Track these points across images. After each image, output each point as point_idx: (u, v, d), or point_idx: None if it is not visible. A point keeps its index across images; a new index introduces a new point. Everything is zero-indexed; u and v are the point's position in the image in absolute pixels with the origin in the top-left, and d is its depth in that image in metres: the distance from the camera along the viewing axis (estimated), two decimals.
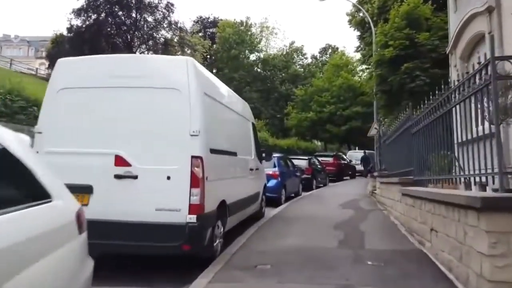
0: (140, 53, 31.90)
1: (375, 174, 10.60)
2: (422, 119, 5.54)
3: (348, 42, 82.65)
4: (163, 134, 4.30)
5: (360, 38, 24.15)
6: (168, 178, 4.17)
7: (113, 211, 4.14)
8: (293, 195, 12.44)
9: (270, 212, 8.74)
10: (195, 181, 4.16)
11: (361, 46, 24.53)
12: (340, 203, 10.26)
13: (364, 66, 35.05)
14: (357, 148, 34.30)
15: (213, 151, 4.62)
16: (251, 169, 6.98)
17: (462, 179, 4.35)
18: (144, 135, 4.32)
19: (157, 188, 4.16)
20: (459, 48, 8.42)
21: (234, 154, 5.83)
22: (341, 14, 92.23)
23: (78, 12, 31.89)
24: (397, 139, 7.86)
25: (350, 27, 24.64)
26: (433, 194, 4.40)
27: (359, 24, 22.99)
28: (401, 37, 13.78)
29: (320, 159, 19.35)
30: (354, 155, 27.69)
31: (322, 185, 17.37)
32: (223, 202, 4.99)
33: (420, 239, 5.19)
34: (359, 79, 36.63)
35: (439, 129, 4.73)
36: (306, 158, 16.83)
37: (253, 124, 7.99)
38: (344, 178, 22.75)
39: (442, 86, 4.60)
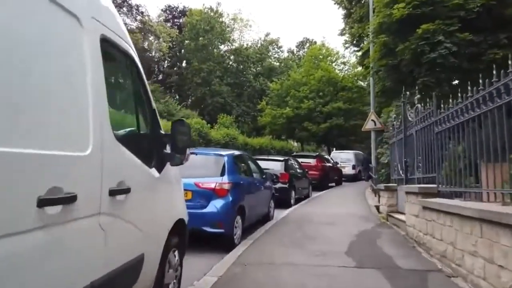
0: None
1: (404, 188, 6.28)
2: None
3: (327, 33, 78.40)
4: None
5: (346, 16, 20.44)
6: None
7: None
8: (260, 218, 7.85)
9: (200, 277, 4.07)
10: None
11: (346, 28, 20.85)
12: (343, 247, 5.53)
13: (348, 54, 31.08)
14: (335, 149, 30.71)
15: None
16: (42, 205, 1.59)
17: None
18: None
19: None
20: None
21: None
22: (319, 6, 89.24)
23: None
24: None
25: (335, 4, 20.88)
26: None
27: None
28: None
29: (300, 160, 14.98)
30: (339, 156, 23.64)
31: (303, 196, 12.93)
32: None
33: None
34: (340, 73, 33.02)
35: None
36: (281, 159, 12.46)
37: (115, 47, 2.44)
38: (330, 184, 18.35)
39: None
